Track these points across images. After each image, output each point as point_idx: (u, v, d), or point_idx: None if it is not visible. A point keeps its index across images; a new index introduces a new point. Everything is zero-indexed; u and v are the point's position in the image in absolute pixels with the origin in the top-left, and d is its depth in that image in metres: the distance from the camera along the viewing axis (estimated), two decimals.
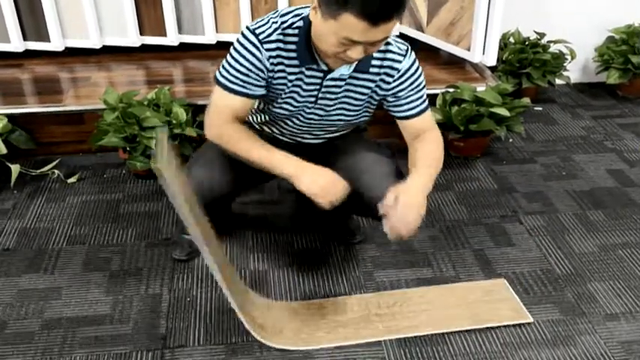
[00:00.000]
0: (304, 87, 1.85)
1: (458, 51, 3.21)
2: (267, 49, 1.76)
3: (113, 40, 3.35)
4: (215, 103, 1.84)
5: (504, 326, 1.98)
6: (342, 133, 2.08)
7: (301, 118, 1.94)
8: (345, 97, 1.88)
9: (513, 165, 2.89)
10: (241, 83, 1.79)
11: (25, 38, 3.31)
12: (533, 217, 2.52)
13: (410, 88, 1.87)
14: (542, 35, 3.41)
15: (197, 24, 3.32)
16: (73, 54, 3.37)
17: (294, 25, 1.76)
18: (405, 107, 1.89)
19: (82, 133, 2.85)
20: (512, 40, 3.43)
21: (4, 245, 2.37)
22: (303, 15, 1.76)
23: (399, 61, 1.82)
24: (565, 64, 3.42)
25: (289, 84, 1.84)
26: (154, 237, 2.41)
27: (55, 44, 3.30)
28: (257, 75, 1.79)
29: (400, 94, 1.87)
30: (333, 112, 1.92)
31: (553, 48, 3.41)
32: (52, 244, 2.38)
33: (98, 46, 3.34)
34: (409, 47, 1.86)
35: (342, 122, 1.96)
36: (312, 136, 2.03)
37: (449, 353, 1.89)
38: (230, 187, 1.95)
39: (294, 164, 1.78)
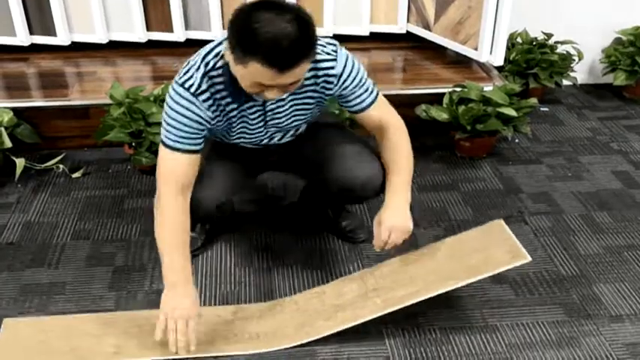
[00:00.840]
0: (251, 117, 1.87)
1: (465, 50, 3.20)
2: (204, 100, 1.75)
3: (119, 36, 3.35)
4: (162, 166, 1.81)
5: (509, 326, 1.97)
6: (308, 127, 2.11)
7: (260, 137, 1.97)
8: (294, 109, 1.89)
9: (519, 165, 2.88)
10: (186, 140, 1.77)
11: (31, 32, 3.31)
12: (538, 217, 2.51)
13: (352, 86, 1.85)
14: (549, 36, 3.39)
15: (204, 20, 3.31)
16: (79, 49, 3.37)
17: (217, 66, 1.74)
18: (355, 102, 1.89)
19: (88, 127, 2.84)
20: (519, 40, 3.42)
21: (8, 239, 2.37)
22: (222, 53, 1.73)
23: (332, 68, 1.80)
24: (572, 65, 3.41)
25: (234, 119, 1.86)
26: None
27: (62, 39, 3.30)
28: (198, 128, 1.78)
29: (345, 92, 1.86)
30: (289, 123, 1.94)
31: (560, 49, 3.39)
32: (56, 238, 2.38)
33: (104, 41, 3.34)
34: (337, 45, 1.82)
35: (301, 122, 1.98)
36: (278, 139, 2.04)
37: (453, 353, 1.89)
38: (222, 199, 1.97)
39: (171, 280, 1.80)
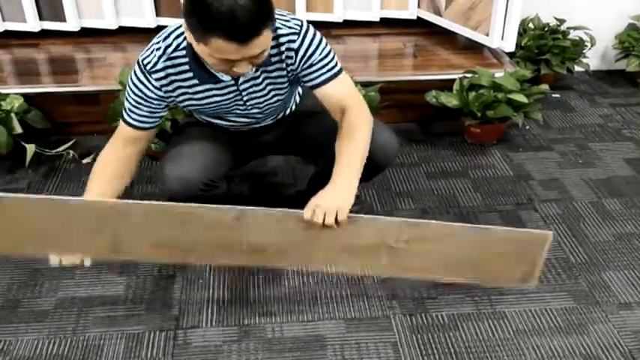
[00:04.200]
0: (226, 98, 1.86)
1: (476, 36, 3.18)
2: (156, 79, 1.77)
3: (129, 21, 3.35)
4: (116, 131, 1.90)
5: (517, 313, 1.97)
6: (292, 106, 2.10)
7: (246, 120, 1.97)
8: (271, 84, 1.87)
9: (529, 152, 2.87)
10: (133, 115, 1.84)
11: (41, 18, 3.31)
12: (548, 204, 2.50)
13: (312, 61, 1.80)
14: (561, 21, 3.36)
15: None
16: (88, 34, 3.37)
17: (180, 47, 1.74)
18: (311, 76, 1.84)
19: (98, 113, 2.85)
20: (531, 25, 3.39)
21: None
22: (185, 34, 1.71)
23: (293, 41, 1.77)
24: (584, 51, 3.38)
25: (203, 100, 1.86)
26: None
27: (71, 24, 3.30)
28: (148, 106, 1.82)
29: (304, 67, 1.82)
30: (269, 100, 1.92)
31: (573, 34, 3.36)
32: None
33: (114, 27, 3.34)
34: (303, 22, 1.79)
35: (282, 98, 1.96)
36: (262, 120, 2.03)
37: (461, 339, 1.89)
38: (204, 178, 1.95)
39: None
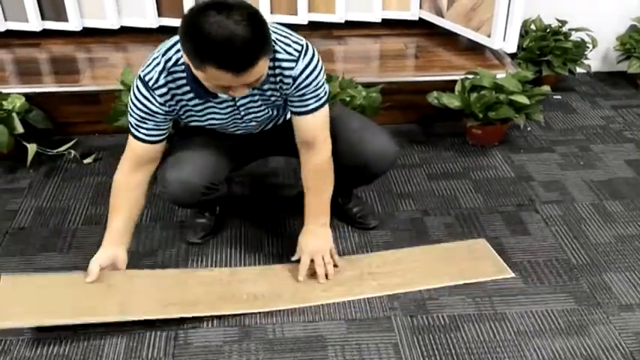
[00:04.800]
0: (223, 113, 1.88)
1: (478, 37, 3.18)
2: (160, 95, 1.78)
3: (131, 21, 3.35)
4: (126, 146, 1.93)
5: (518, 314, 1.97)
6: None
7: (239, 126, 1.98)
8: (265, 102, 1.88)
9: (531, 153, 2.87)
10: (141, 130, 1.85)
11: (43, 18, 3.32)
12: (549, 206, 2.49)
13: (305, 90, 1.82)
14: (563, 23, 3.36)
15: None
16: (90, 34, 3.37)
17: (179, 62, 1.74)
18: (299, 104, 1.85)
19: (99, 113, 2.85)
20: (533, 27, 3.39)
21: (20, 224, 2.39)
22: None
23: (291, 69, 1.77)
24: (586, 53, 3.38)
25: (201, 113, 1.88)
26: (168, 219, 2.41)
27: (73, 24, 3.31)
28: (153, 120, 1.83)
29: (298, 94, 1.83)
30: (265, 114, 1.94)
31: (574, 36, 3.36)
32: (67, 223, 2.39)
33: (116, 27, 3.34)
34: (303, 47, 1.77)
35: (279, 112, 2.00)
36: (256, 128, 2.04)
37: (462, 340, 1.88)
38: (205, 182, 1.97)
39: (105, 239, 1.98)
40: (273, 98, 1.86)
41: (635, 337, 1.89)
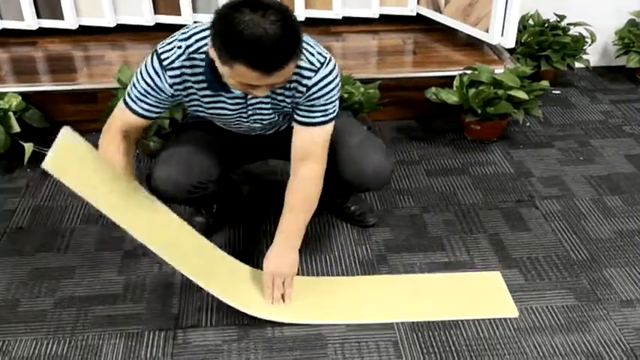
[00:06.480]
0: (230, 107, 1.86)
1: (476, 32, 3.17)
2: (171, 76, 1.75)
3: (127, 19, 3.33)
4: (114, 112, 1.89)
5: (518, 311, 1.96)
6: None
7: (242, 125, 1.96)
8: (276, 105, 1.86)
9: (530, 149, 2.86)
10: (139, 103, 1.82)
11: (39, 16, 3.30)
12: (549, 201, 2.49)
13: (317, 102, 1.81)
14: (562, 17, 3.35)
15: (211, 3, 3.29)
16: (86, 32, 3.36)
17: (201, 50, 1.73)
18: (309, 114, 1.84)
19: (96, 112, 2.83)
20: (531, 22, 3.38)
21: (17, 224, 2.38)
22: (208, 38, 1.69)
23: (309, 78, 1.75)
24: (585, 47, 3.37)
25: (208, 105, 1.86)
26: None
27: (69, 22, 3.29)
28: (156, 98, 1.81)
29: (308, 104, 1.82)
30: (271, 118, 1.92)
31: (573, 31, 3.35)
32: (65, 223, 2.38)
33: (112, 25, 3.32)
34: (326, 60, 1.77)
35: (285, 120, 1.98)
36: (257, 131, 2.02)
37: (462, 337, 1.88)
38: (193, 181, 1.95)
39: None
40: (283, 104, 1.85)
41: (635, 332, 1.89)
